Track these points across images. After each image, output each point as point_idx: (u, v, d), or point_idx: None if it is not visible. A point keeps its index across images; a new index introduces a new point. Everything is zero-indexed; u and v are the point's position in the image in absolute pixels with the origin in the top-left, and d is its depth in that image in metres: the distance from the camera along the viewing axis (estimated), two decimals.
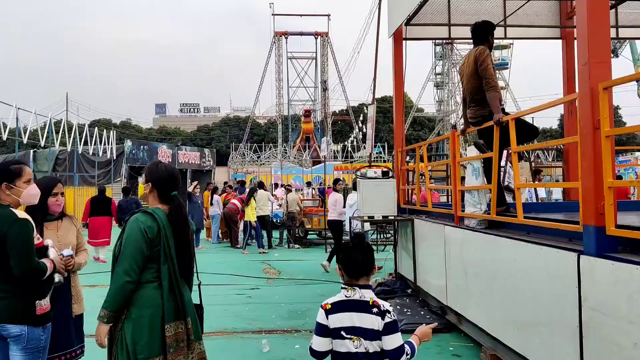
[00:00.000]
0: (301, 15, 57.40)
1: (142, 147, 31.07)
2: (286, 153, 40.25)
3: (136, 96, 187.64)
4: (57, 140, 24.66)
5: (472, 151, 6.07)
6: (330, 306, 2.67)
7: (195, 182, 16.73)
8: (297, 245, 15.64)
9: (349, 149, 43.96)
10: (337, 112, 70.14)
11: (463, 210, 6.16)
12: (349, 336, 2.58)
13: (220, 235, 17.23)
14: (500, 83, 48.51)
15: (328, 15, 58.63)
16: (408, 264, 8.28)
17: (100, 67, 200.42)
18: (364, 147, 47.80)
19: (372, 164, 9.83)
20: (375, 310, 2.60)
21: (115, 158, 27.91)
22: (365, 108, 42.01)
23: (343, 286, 2.72)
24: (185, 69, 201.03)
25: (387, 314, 2.59)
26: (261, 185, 15.84)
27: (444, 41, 58.28)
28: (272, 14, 56.57)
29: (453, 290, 6.35)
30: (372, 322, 2.58)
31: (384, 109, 64.78)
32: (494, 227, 5.64)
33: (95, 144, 25.56)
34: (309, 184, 26.06)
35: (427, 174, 7.65)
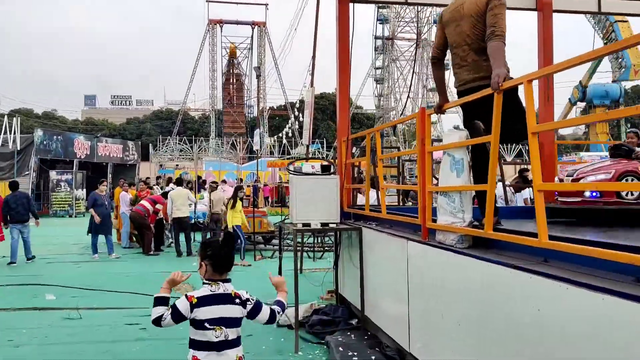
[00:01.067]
0: (237, 3, 54.72)
1: (55, 137, 27.86)
2: (220, 147, 37.69)
3: (66, 88, 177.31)
4: None
5: (450, 137, 4.27)
6: (196, 300, 2.87)
7: (103, 180, 14.16)
8: None
9: (285, 143, 41.99)
10: (275, 107, 67.97)
11: (435, 220, 4.36)
12: (211, 327, 2.84)
13: (134, 238, 14.78)
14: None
15: (266, 5, 56.31)
16: (353, 285, 6.44)
17: (27, 57, 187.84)
18: (302, 143, 45.94)
19: (310, 157, 7.95)
20: (237, 300, 2.94)
21: (20, 149, 24.68)
22: (302, 97, 40.07)
23: (206, 281, 2.95)
24: (119, 62, 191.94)
25: (247, 302, 2.98)
26: (179, 182, 13.61)
27: (384, 37, 57.31)
28: (207, 0, 53.61)
29: (419, 331, 4.53)
30: (236, 311, 2.93)
31: (322, 106, 63.25)
32: (481, 247, 3.86)
33: (4, 133, 22.43)
34: (240, 181, 23.89)
35: (380, 169, 5.80)
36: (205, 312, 2.84)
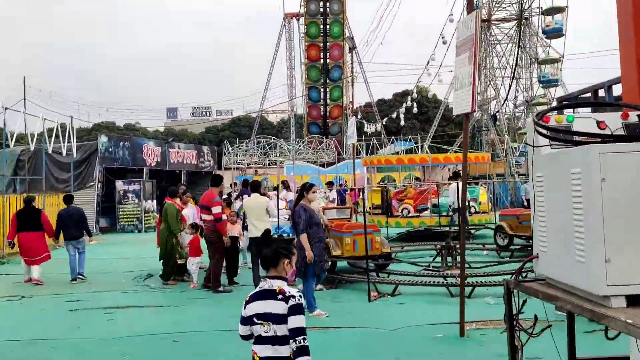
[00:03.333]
0: None
1: (122, 143, 24.98)
2: (299, 149, 34.10)
3: (149, 103, 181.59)
4: (11, 139, 18.68)
5: None
6: (248, 298, 3.09)
7: (312, 185, 8.05)
8: (320, 286, 9.29)
9: (374, 140, 37.69)
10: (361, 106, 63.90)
11: None
12: (259, 322, 2.97)
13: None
14: (553, 54, 41.18)
15: None
16: None
17: (112, 75, 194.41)
18: (389, 142, 41.31)
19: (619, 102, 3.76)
20: (280, 296, 2.97)
21: (83, 158, 21.94)
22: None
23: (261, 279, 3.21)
24: (199, 76, 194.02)
25: (291, 298, 2.95)
26: (255, 188, 9.51)
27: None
28: None
29: None
30: (278, 307, 2.95)
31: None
32: None
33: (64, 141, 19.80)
34: (330, 184, 19.71)
35: None
36: (252, 308, 3.01)
